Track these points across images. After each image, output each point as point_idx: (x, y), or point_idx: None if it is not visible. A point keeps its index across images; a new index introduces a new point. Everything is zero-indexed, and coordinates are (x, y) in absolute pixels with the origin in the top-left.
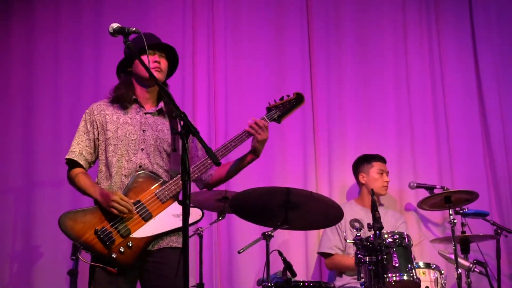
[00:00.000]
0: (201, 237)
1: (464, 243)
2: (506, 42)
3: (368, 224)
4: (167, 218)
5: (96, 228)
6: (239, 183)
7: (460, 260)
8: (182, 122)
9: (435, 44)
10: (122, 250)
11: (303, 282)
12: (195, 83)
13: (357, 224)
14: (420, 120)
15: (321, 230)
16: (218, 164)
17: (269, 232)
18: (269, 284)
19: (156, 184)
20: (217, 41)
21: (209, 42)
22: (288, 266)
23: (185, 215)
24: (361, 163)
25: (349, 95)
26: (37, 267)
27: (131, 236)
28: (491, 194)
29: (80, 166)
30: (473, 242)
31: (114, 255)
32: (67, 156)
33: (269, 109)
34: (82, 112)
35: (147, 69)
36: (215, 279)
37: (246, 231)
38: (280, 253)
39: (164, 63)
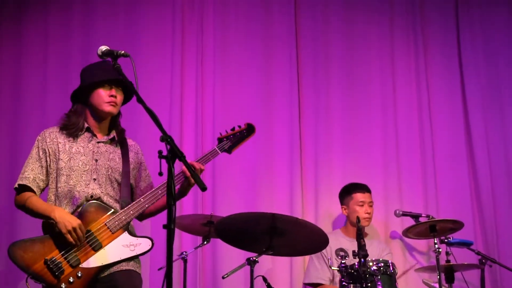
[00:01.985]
0: (185, 261)
1: (448, 272)
2: (492, 70)
3: (353, 251)
4: (117, 248)
5: (46, 258)
6: (225, 208)
7: None
8: (168, 146)
9: (422, 70)
10: (72, 280)
11: None
12: (183, 109)
13: (342, 253)
14: (406, 148)
15: (307, 257)
16: (204, 189)
17: (254, 258)
18: None
19: (107, 214)
20: (205, 68)
21: (198, 69)
22: None
23: (170, 239)
24: (343, 195)
25: (336, 123)
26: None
27: (80, 266)
28: (476, 223)
29: (32, 192)
30: (458, 271)
31: (63, 285)
32: (19, 182)
33: (220, 140)
34: None
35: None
36: None
37: (231, 256)
38: (265, 279)
39: (119, 97)
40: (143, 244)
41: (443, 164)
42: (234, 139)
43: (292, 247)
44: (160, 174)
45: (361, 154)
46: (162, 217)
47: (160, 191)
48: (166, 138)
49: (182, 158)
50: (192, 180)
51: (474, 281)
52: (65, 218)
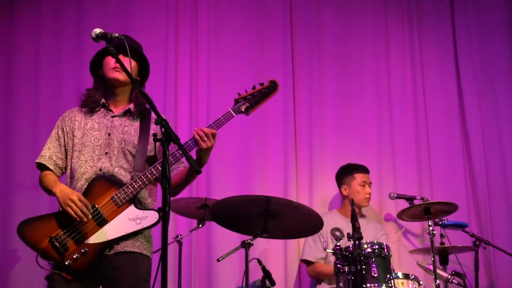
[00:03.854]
0: (180, 244)
1: (443, 254)
2: (487, 57)
3: (348, 234)
4: (123, 223)
5: (51, 235)
6: (220, 191)
7: (439, 271)
8: (163, 129)
9: (416, 53)
10: (76, 257)
11: None
12: (177, 92)
13: (337, 233)
14: (401, 131)
15: (301, 239)
16: (198, 172)
17: (249, 241)
18: None
19: (113, 188)
20: (199, 50)
21: (192, 51)
22: (267, 274)
23: (165, 222)
24: (344, 174)
25: (331, 106)
26: (15, 271)
27: (85, 242)
28: (470, 205)
29: (49, 170)
30: (452, 253)
31: (67, 262)
32: (36, 160)
33: (236, 101)
34: None
35: (128, 72)
36: (194, 286)
37: (226, 239)
38: (260, 262)
39: (128, 64)
40: (150, 217)
41: (438, 147)
42: (252, 99)
43: (287, 230)
44: (155, 156)
45: (356, 137)
46: (158, 200)
47: (169, 160)
48: (160, 121)
49: (176, 141)
50: (203, 145)
51: (468, 263)
52: (64, 191)
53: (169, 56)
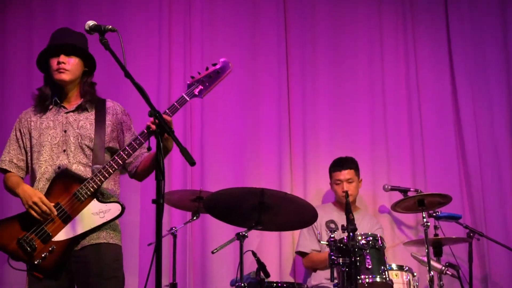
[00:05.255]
0: (175, 236)
1: (437, 246)
2: (481, 54)
3: (342, 225)
4: (87, 218)
5: (18, 237)
6: (214, 184)
7: (433, 263)
8: (157, 121)
9: (410, 46)
10: (44, 255)
11: (277, 283)
12: (171, 82)
13: (332, 225)
14: (394, 123)
15: (296, 231)
16: (193, 164)
17: (243, 233)
18: (242, 284)
19: (75, 184)
20: (193, 42)
21: (186, 42)
22: (261, 266)
23: (159, 215)
24: (329, 170)
25: (324, 100)
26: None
27: (52, 240)
28: (464, 197)
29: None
30: (446, 245)
31: (37, 261)
32: None
33: (189, 85)
34: None
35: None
36: (189, 279)
37: (220, 231)
38: (254, 254)
39: (71, 62)
40: (113, 210)
41: (432, 139)
42: (206, 81)
43: (281, 222)
44: (149, 149)
45: (350, 129)
46: (152, 192)
47: (127, 152)
48: (154, 113)
49: (170, 133)
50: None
51: (462, 254)
52: (27, 192)
53: (162, 43)
